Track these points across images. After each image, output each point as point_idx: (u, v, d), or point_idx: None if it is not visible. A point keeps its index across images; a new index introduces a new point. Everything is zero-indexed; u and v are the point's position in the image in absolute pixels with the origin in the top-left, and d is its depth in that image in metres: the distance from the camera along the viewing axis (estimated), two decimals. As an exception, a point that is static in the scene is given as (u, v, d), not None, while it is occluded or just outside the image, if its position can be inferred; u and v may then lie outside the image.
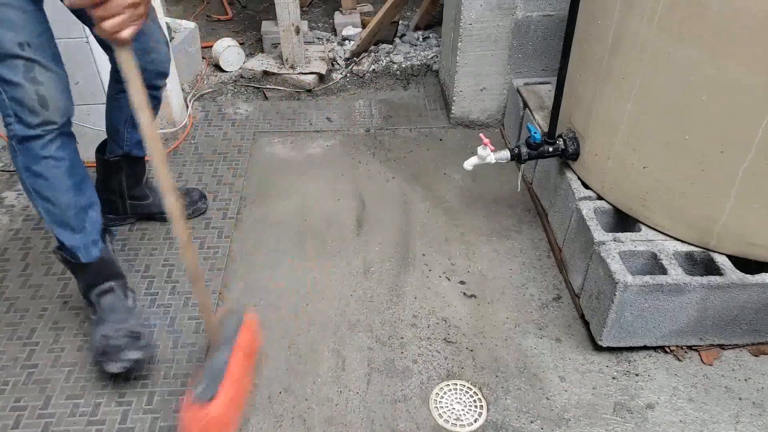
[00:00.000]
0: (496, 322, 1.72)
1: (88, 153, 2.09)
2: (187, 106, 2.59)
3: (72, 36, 1.94)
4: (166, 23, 2.50)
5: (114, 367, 1.47)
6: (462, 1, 2.20)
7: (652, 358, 1.61)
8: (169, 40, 2.46)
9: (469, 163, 1.83)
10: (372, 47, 3.06)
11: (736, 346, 1.63)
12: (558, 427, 1.46)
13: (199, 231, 2.00)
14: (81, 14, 1.53)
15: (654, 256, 1.57)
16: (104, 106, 1.76)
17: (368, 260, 1.91)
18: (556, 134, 1.80)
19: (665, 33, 1.39)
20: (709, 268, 1.56)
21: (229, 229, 2.01)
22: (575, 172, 1.83)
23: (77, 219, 1.50)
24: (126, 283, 1.65)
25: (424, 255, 1.93)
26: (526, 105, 2.20)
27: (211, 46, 2.91)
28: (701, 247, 1.58)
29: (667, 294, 1.49)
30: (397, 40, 3.12)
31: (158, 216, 2.00)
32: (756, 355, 1.61)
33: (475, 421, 1.47)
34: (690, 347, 1.63)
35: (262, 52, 3.00)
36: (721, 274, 1.49)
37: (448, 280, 1.85)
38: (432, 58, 2.96)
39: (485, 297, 1.79)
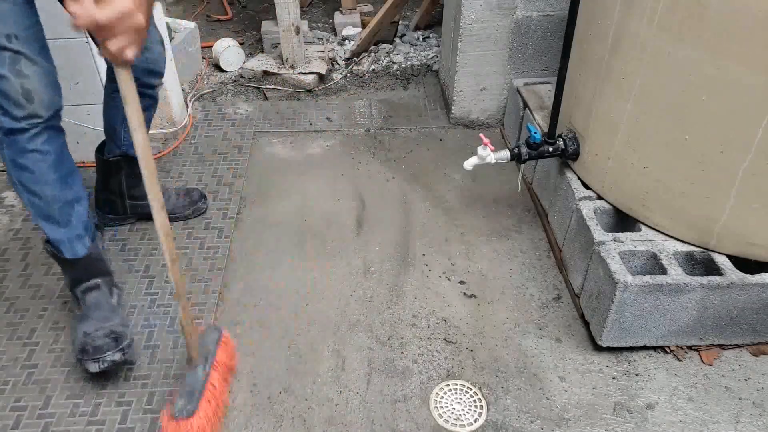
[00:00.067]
0: (496, 322, 1.72)
1: (88, 153, 2.10)
2: (187, 106, 2.59)
3: (72, 36, 1.94)
4: (166, 23, 2.50)
5: (93, 367, 1.48)
6: (462, 1, 2.20)
7: (652, 358, 1.61)
8: (168, 40, 2.46)
9: (469, 163, 1.83)
10: (372, 47, 3.06)
11: (736, 346, 1.63)
12: (558, 427, 1.46)
13: (199, 231, 2.00)
14: None
15: (654, 256, 1.57)
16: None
17: (368, 260, 1.91)
18: (556, 134, 1.80)
19: (665, 33, 1.39)
20: (709, 268, 1.56)
21: (229, 229, 2.01)
22: (575, 172, 1.83)
23: (62, 213, 1.50)
24: (113, 280, 1.66)
25: (424, 255, 1.93)
26: (526, 105, 2.20)
27: (211, 46, 2.91)
28: (701, 247, 1.58)
29: (667, 294, 1.49)
30: (397, 40, 3.12)
31: (158, 216, 2.00)
32: (756, 355, 1.61)
33: (475, 421, 1.47)
34: (690, 347, 1.63)
35: (262, 52, 3.00)
36: (721, 274, 1.49)
37: (448, 280, 1.85)
38: (432, 58, 2.96)
39: (485, 297, 1.79)
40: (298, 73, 2.77)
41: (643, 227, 1.65)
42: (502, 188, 2.20)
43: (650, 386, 1.55)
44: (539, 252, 1.94)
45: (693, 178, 1.49)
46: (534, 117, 2.11)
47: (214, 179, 2.23)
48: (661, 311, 1.52)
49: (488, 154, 1.80)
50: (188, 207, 2.03)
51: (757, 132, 1.34)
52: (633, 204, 1.65)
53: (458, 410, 1.49)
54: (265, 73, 2.80)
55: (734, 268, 1.51)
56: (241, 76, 2.85)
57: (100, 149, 1.86)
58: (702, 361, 1.60)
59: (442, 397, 1.52)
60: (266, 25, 3.02)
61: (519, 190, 2.14)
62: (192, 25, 2.80)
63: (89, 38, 1.97)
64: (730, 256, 1.55)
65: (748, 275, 1.49)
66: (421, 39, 3.13)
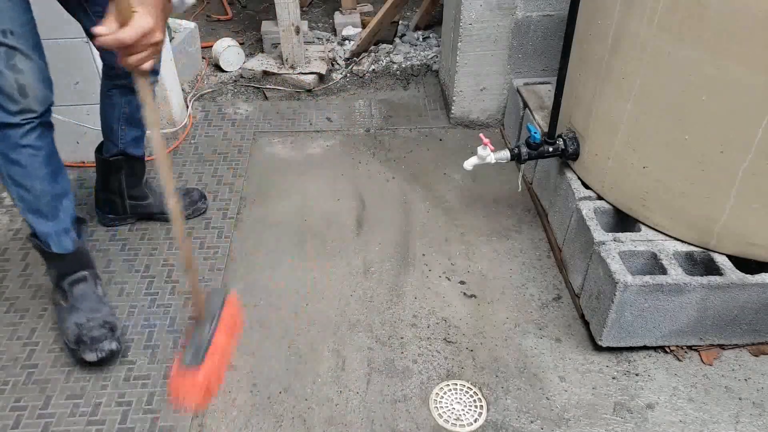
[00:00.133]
0: (496, 322, 1.72)
1: (88, 153, 2.10)
2: (187, 106, 2.59)
3: (72, 36, 1.94)
4: (166, 23, 2.50)
5: (91, 356, 1.53)
6: (462, 1, 2.20)
7: (652, 358, 1.61)
8: (168, 39, 2.46)
9: (469, 163, 1.83)
10: (372, 47, 3.06)
11: (736, 346, 1.63)
12: (558, 427, 1.46)
13: (199, 231, 2.00)
14: (76, 13, 1.54)
15: (654, 256, 1.57)
16: (104, 106, 1.77)
17: (368, 260, 1.91)
18: (556, 134, 1.80)
19: (665, 33, 1.39)
20: (709, 268, 1.56)
21: (229, 229, 2.01)
22: (575, 172, 1.83)
23: (51, 207, 1.53)
24: (96, 272, 1.70)
25: (424, 255, 1.93)
26: (526, 105, 2.20)
27: (211, 46, 2.91)
28: (701, 247, 1.58)
29: (667, 294, 1.49)
30: (397, 40, 3.12)
31: (158, 216, 2.00)
32: (756, 355, 1.61)
33: (475, 421, 1.47)
34: (690, 347, 1.63)
35: (262, 52, 3.00)
36: (721, 274, 1.49)
37: (448, 280, 1.85)
38: (432, 58, 2.96)
39: (485, 297, 1.79)
40: (298, 73, 2.77)
41: (643, 227, 1.65)
42: (502, 188, 2.20)
43: (650, 386, 1.55)
44: (539, 252, 1.94)
45: (693, 178, 1.49)
46: (534, 117, 2.11)
47: (214, 179, 2.23)
48: (661, 311, 1.52)
49: (488, 154, 1.80)
50: (188, 207, 2.03)
51: (757, 132, 1.34)
52: (633, 204, 1.65)
53: (458, 410, 1.49)
54: (265, 73, 2.80)
55: (734, 268, 1.51)
56: (241, 76, 2.85)
57: (100, 149, 1.86)
58: (702, 361, 1.60)
59: (442, 397, 1.52)
60: (266, 25, 3.02)
61: (519, 190, 2.14)
62: (192, 25, 2.80)
63: (89, 40, 1.97)
64: (730, 256, 1.55)
65: (748, 275, 1.49)
66: (421, 39, 3.13)
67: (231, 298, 1.48)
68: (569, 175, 1.83)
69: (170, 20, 2.71)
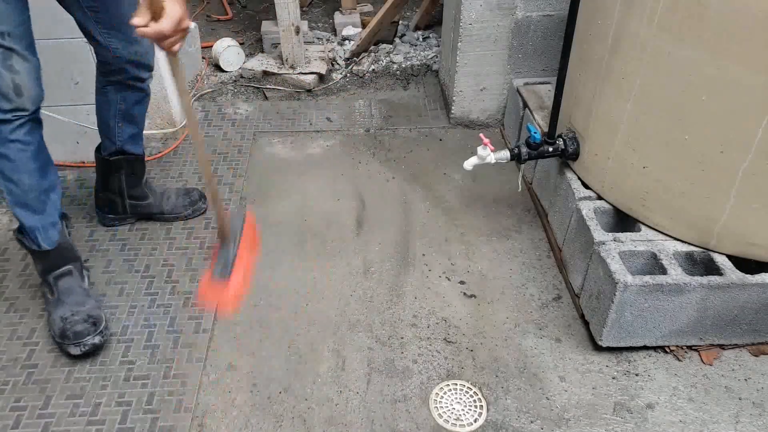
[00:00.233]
0: (496, 322, 1.72)
1: (88, 153, 2.10)
2: (187, 106, 2.59)
3: (72, 36, 1.93)
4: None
5: (75, 350, 1.56)
6: (462, 1, 2.20)
7: (652, 358, 1.61)
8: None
9: (469, 163, 1.83)
10: (372, 47, 3.06)
11: (736, 346, 1.63)
12: (558, 427, 1.46)
13: (199, 231, 2.00)
14: (70, 7, 1.55)
15: (654, 256, 1.57)
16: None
17: (368, 260, 1.91)
18: (556, 134, 1.80)
19: (665, 33, 1.39)
20: (709, 268, 1.56)
21: (229, 229, 2.01)
22: (575, 172, 1.83)
23: (38, 201, 1.55)
24: (82, 264, 1.72)
25: (424, 255, 1.93)
26: (526, 105, 2.20)
27: (211, 46, 2.91)
28: (701, 247, 1.58)
29: (667, 294, 1.49)
30: (397, 40, 3.12)
31: (158, 216, 2.00)
32: (756, 355, 1.62)
33: (475, 421, 1.47)
34: (690, 347, 1.63)
35: (262, 52, 3.00)
36: (721, 274, 1.49)
37: (448, 280, 1.85)
38: (432, 58, 2.96)
39: (485, 297, 1.79)
40: (298, 73, 2.77)
41: (643, 227, 1.65)
42: (502, 188, 2.20)
43: (650, 386, 1.55)
44: (539, 252, 1.94)
45: (693, 178, 1.49)
46: (534, 117, 2.11)
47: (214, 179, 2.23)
48: (661, 311, 1.52)
49: (488, 154, 1.80)
50: (188, 207, 2.03)
51: (757, 132, 1.34)
52: (633, 204, 1.65)
53: (458, 410, 1.49)
54: (265, 73, 2.80)
55: (734, 268, 1.51)
56: (241, 76, 2.85)
57: (100, 149, 1.86)
58: (702, 361, 1.60)
59: (442, 397, 1.52)
60: (266, 25, 3.02)
61: (519, 190, 2.14)
62: (192, 25, 2.79)
63: (86, 39, 1.96)
64: (730, 256, 1.55)
65: (748, 275, 1.49)
66: (421, 39, 3.13)
67: (249, 217, 1.62)
68: (569, 175, 1.83)
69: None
